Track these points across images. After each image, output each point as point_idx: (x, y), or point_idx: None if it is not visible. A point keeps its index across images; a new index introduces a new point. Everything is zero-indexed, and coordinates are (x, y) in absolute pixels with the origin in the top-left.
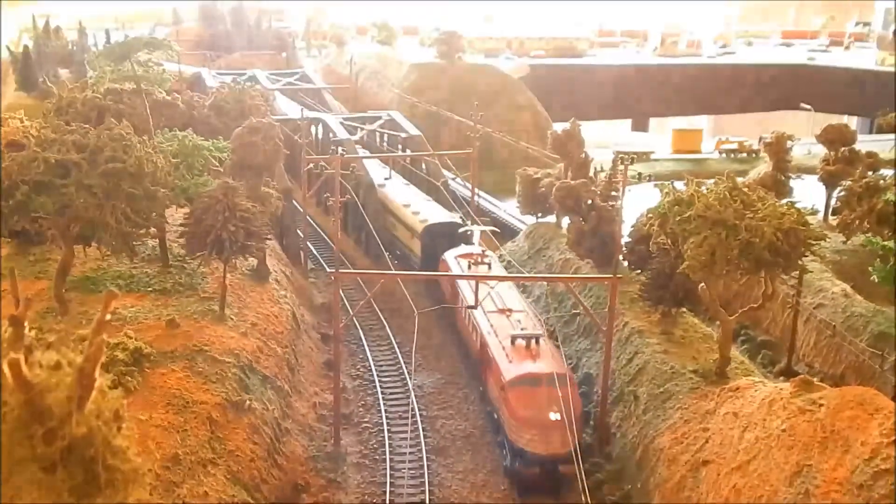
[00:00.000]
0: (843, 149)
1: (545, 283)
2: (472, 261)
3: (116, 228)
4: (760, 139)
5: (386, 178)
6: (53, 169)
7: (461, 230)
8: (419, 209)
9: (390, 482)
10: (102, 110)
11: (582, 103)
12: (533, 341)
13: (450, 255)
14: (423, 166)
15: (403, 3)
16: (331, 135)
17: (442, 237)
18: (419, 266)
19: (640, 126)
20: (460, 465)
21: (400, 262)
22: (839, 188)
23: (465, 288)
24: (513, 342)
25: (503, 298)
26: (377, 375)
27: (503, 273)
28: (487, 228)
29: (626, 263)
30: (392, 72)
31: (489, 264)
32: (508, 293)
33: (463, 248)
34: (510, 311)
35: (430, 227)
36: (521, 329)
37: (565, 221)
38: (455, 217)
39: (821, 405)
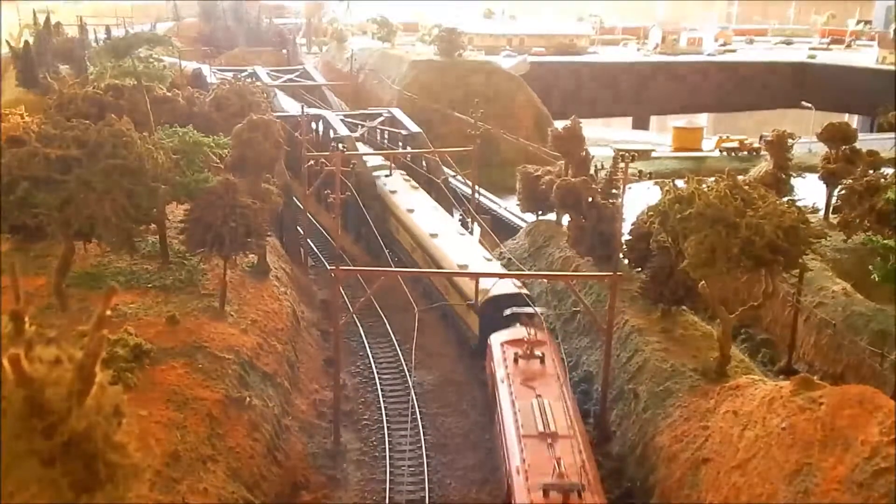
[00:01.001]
0: (843, 147)
1: (545, 280)
2: (522, 352)
3: (117, 224)
4: (761, 137)
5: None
6: (54, 165)
7: (507, 313)
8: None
9: (390, 479)
10: (103, 106)
11: (582, 101)
12: (574, 494)
13: (496, 340)
14: (424, 163)
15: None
16: (331, 131)
17: (499, 310)
18: (476, 346)
19: (641, 124)
20: (460, 463)
21: (454, 335)
22: (840, 186)
23: (506, 401)
24: (545, 494)
25: (549, 414)
26: (377, 373)
27: (560, 378)
28: (546, 312)
29: (626, 261)
30: (392, 69)
31: (542, 357)
32: (557, 406)
33: (513, 332)
34: (554, 436)
35: (492, 301)
36: (559, 474)
37: (565, 219)
38: (522, 287)
39: (821, 404)
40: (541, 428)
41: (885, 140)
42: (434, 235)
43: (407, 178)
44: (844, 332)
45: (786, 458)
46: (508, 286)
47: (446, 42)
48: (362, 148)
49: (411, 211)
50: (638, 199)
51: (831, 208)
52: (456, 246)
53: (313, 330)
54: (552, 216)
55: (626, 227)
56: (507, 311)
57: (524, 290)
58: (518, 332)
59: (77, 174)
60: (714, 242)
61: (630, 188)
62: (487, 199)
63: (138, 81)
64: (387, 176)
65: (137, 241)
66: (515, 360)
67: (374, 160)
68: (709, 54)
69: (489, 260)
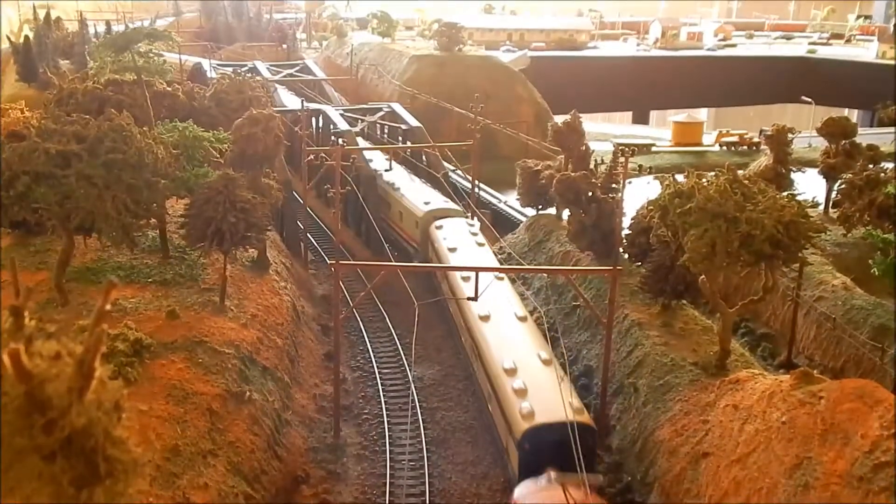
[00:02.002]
0: (843, 142)
1: (545, 275)
2: None
3: (117, 219)
4: (761, 132)
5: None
6: (54, 160)
7: (543, 484)
8: (523, 382)
9: (390, 474)
10: (103, 101)
11: (583, 95)
12: None
13: (523, 500)
14: (424, 158)
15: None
16: (331, 126)
17: (550, 444)
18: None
19: (641, 118)
20: (460, 457)
21: (502, 463)
22: (840, 181)
23: None
24: None
25: None
26: (377, 367)
27: None
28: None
29: (626, 256)
30: (392, 64)
31: None
32: None
33: (547, 494)
34: None
35: (534, 432)
36: None
37: (565, 214)
38: (584, 411)
39: (821, 398)
40: None
41: (885, 135)
42: (484, 318)
43: (475, 230)
44: (844, 326)
45: (786, 451)
46: (558, 410)
47: (446, 37)
48: (362, 143)
49: (467, 280)
50: (638, 194)
51: (831, 203)
52: (500, 340)
53: (313, 324)
54: (552, 211)
55: (627, 222)
56: (542, 480)
57: (589, 419)
58: (554, 494)
59: (77, 169)
60: (714, 237)
61: (630, 183)
62: (487, 193)
63: (138, 76)
64: (439, 221)
65: (137, 235)
66: None
67: (435, 201)
68: (708, 49)
69: (546, 365)
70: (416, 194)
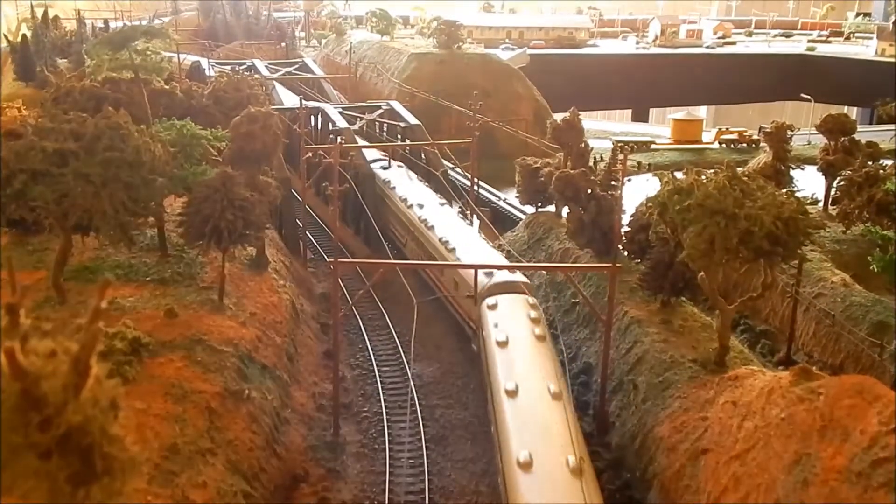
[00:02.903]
0: (842, 139)
1: (544, 272)
2: None
3: (114, 217)
4: (760, 129)
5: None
6: (51, 158)
7: None
8: None
9: (389, 471)
10: (100, 99)
11: (582, 93)
12: None
13: None
14: (423, 156)
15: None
16: (330, 124)
17: None
18: None
19: (641, 116)
20: (460, 454)
21: None
22: (839, 178)
23: None
24: None
25: None
26: (376, 365)
27: None
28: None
29: (625, 253)
30: (391, 62)
31: None
32: None
33: None
34: None
35: None
36: None
37: (565, 211)
38: None
39: (820, 394)
40: None
41: (884, 132)
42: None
43: (536, 314)
44: (843, 322)
45: (785, 448)
46: None
47: (445, 35)
48: (361, 142)
49: (512, 394)
50: (637, 191)
51: (830, 199)
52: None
53: (312, 322)
54: (551, 208)
55: (626, 219)
56: None
57: None
58: None
59: (74, 167)
60: (713, 233)
61: (629, 180)
62: (487, 191)
63: (136, 74)
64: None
65: (135, 234)
66: None
67: (502, 273)
68: (708, 47)
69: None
70: (475, 254)
